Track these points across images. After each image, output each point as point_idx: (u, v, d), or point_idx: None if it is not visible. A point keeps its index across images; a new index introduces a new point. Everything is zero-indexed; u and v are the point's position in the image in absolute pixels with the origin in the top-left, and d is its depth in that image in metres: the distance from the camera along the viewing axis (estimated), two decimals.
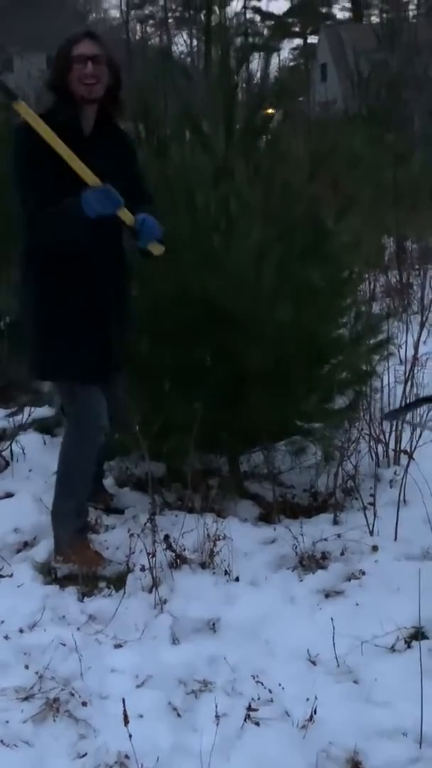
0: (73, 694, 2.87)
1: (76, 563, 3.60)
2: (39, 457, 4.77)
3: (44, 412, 5.33)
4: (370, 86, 13.60)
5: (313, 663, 3.06)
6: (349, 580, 3.57)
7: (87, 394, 3.69)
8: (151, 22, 59.24)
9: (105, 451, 4.16)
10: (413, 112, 13.49)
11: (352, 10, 55.49)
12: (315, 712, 2.69)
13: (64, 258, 3.54)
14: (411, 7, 37.67)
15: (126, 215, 3.55)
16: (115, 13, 61.68)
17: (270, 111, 4.50)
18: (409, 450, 4.50)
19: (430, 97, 13.59)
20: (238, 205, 4.19)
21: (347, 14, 56.36)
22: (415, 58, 14.11)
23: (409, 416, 3.73)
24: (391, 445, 4.73)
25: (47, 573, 3.67)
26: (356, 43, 18.30)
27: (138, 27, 57.71)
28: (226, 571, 3.64)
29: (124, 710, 2.37)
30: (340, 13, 57.69)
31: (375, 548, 3.79)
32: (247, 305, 4.09)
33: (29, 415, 5.21)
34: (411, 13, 31.55)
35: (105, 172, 3.47)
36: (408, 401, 4.80)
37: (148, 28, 57.51)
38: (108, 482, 4.49)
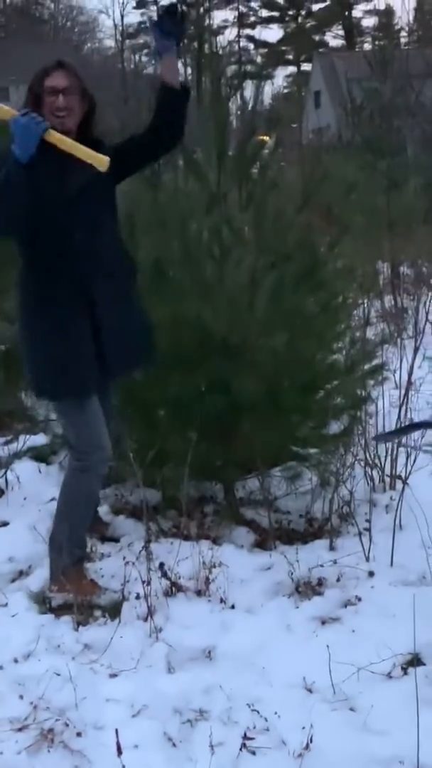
0: (67, 725, 2.85)
1: (70, 592, 3.58)
2: (34, 485, 4.75)
3: (39, 440, 5.32)
4: (363, 113, 13.70)
5: (310, 691, 3.04)
6: (345, 606, 3.56)
7: (89, 422, 3.64)
8: (145, 51, 59.69)
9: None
10: (406, 139, 13.58)
11: (345, 37, 56.05)
12: (311, 741, 2.68)
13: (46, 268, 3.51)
14: (403, 34, 38.09)
15: (54, 135, 3.39)
16: (110, 43, 62.11)
17: (263, 139, 4.54)
18: (404, 475, 4.50)
19: (422, 125, 13.71)
20: (230, 233, 4.21)
21: (340, 42, 56.89)
22: (407, 86, 14.23)
23: (402, 440, 3.73)
24: (387, 470, 4.73)
25: (42, 602, 3.65)
26: (349, 71, 18.44)
27: (133, 56, 58.15)
28: (221, 598, 3.63)
29: (117, 741, 2.35)
30: (333, 40, 58.23)
31: (371, 574, 3.78)
32: (242, 333, 4.11)
33: (24, 443, 5.20)
34: (403, 41, 31.88)
35: (85, 186, 3.49)
36: (402, 425, 4.80)
37: (142, 57, 57.94)
38: (103, 510, 4.48)
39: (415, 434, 4.21)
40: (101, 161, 3.41)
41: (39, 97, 3.51)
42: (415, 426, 3.28)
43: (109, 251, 3.63)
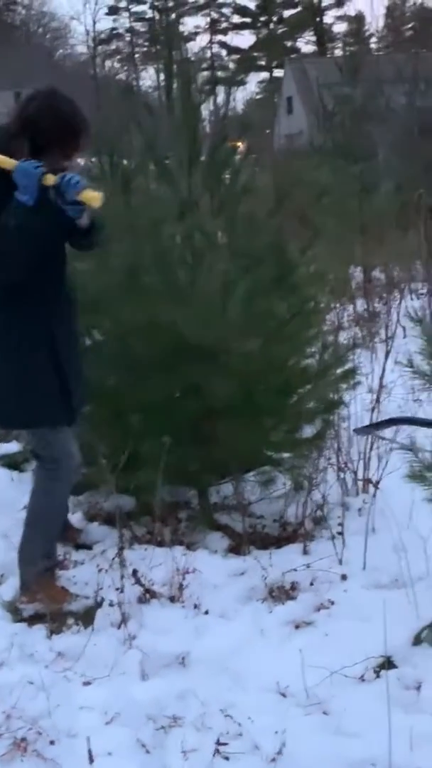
0: (41, 733, 2.83)
1: (41, 602, 3.56)
2: (6, 493, 4.73)
3: (12, 447, 5.30)
4: (334, 119, 13.78)
5: (283, 695, 3.05)
6: (319, 610, 3.57)
7: (62, 437, 3.67)
8: (117, 57, 59.74)
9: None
10: (377, 144, 13.66)
11: (317, 43, 56.32)
12: (284, 745, 2.68)
13: (20, 301, 3.52)
14: (373, 40, 38.32)
15: (49, 178, 3.40)
16: (82, 49, 62.02)
17: (235, 144, 4.55)
18: (376, 479, 4.53)
19: (393, 129, 13.79)
20: (203, 239, 4.22)
21: (312, 48, 57.15)
22: (378, 91, 14.33)
23: (381, 433, 3.76)
24: (359, 474, 4.76)
25: (15, 611, 3.63)
26: (321, 76, 18.53)
27: (105, 62, 58.17)
28: (195, 604, 3.63)
29: (89, 749, 2.35)
30: (305, 46, 58.49)
31: (344, 577, 3.80)
32: (215, 337, 4.11)
33: None
34: (373, 47, 32.07)
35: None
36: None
37: (115, 64, 57.96)
38: (76, 517, 4.46)
39: (391, 430, 4.22)
40: (95, 198, 3.42)
41: (67, 145, 3.50)
42: (393, 421, 3.30)
43: (69, 293, 3.75)
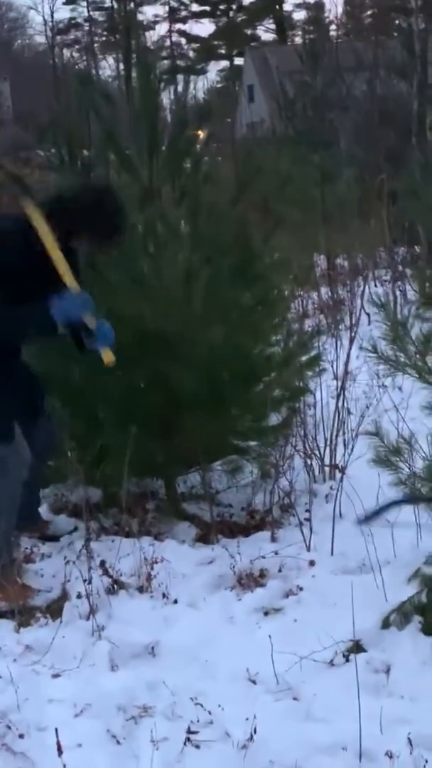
0: (9, 727, 2.82)
1: (4, 600, 3.54)
2: None
3: None
4: (295, 107, 13.78)
5: (253, 682, 3.05)
6: (287, 596, 3.58)
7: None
8: (76, 47, 59.27)
9: (40, 480, 4.13)
10: (338, 132, 13.69)
11: (277, 31, 56.23)
12: (255, 732, 2.68)
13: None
14: (333, 28, 38.37)
15: (91, 319, 3.62)
16: (40, 39, 61.44)
17: (195, 133, 4.53)
18: (342, 465, 4.55)
19: (354, 117, 13.83)
20: (165, 228, 4.20)
21: (272, 36, 57.06)
22: (338, 79, 14.35)
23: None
24: (326, 460, 4.77)
25: None
26: (281, 64, 18.52)
27: (64, 52, 57.68)
28: (164, 594, 3.62)
29: (58, 741, 2.34)
30: (265, 34, 58.34)
31: (312, 563, 3.82)
32: (179, 328, 4.10)
33: None
34: (333, 34, 32.11)
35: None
36: (340, 416, 4.86)
37: (74, 53, 57.48)
38: (42, 509, 4.44)
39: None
40: (110, 360, 3.63)
41: (95, 236, 3.61)
42: (395, 503, 3.35)
43: None
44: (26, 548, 4.02)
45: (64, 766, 2.38)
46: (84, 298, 3.57)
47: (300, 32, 51.58)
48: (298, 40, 45.79)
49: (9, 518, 3.73)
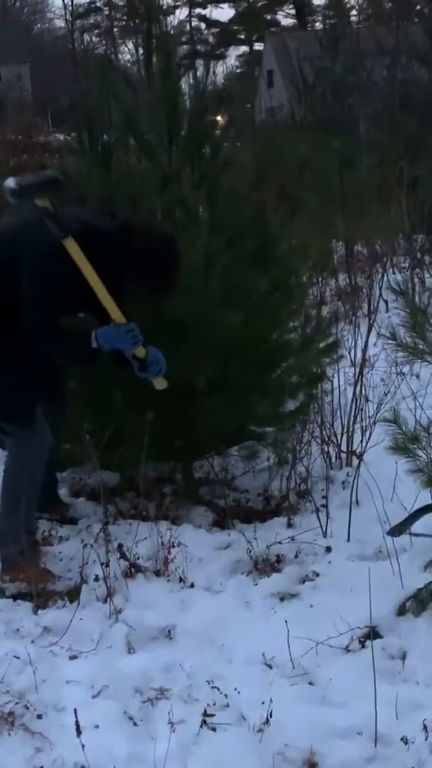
0: (28, 708, 2.85)
1: (24, 581, 3.56)
2: None
3: None
4: (315, 92, 13.72)
5: (269, 666, 3.07)
6: (303, 582, 3.59)
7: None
8: (96, 31, 59.12)
9: (56, 463, 4.15)
10: (358, 117, 13.62)
11: (296, 16, 55.87)
12: (271, 715, 2.70)
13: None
14: (353, 13, 38.09)
15: (140, 350, 3.65)
16: (60, 23, 61.32)
17: (215, 118, 4.52)
18: (359, 451, 4.55)
19: (374, 102, 13.74)
20: (183, 213, 4.20)
21: (292, 21, 56.73)
22: (359, 64, 14.26)
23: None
24: (343, 446, 4.77)
25: None
26: (301, 50, 18.41)
27: (83, 36, 57.55)
28: (180, 578, 3.64)
29: (77, 721, 2.36)
30: (285, 19, 58.01)
31: (328, 549, 3.82)
32: (196, 312, 4.10)
33: None
34: (353, 19, 31.89)
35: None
36: (358, 403, 4.85)
37: (93, 38, 57.36)
38: (61, 493, 4.46)
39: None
40: (163, 385, 3.77)
41: (146, 286, 3.59)
42: (425, 509, 3.34)
43: None
44: (44, 531, 4.05)
45: (83, 746, 2.40)
46: (129, 329, 3.58)
47: (320, 17, 51.21)
48: (318, 25, 45.51)
49: (31, 499, 3.75)
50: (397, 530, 3.27)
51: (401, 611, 3.26)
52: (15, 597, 3.56)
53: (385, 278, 7.91)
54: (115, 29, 55.97)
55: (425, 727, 2.63)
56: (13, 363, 3.63)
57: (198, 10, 58.86)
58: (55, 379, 3.87)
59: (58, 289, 3.51)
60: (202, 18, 58.93)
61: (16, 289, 3.51)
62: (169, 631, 3.31)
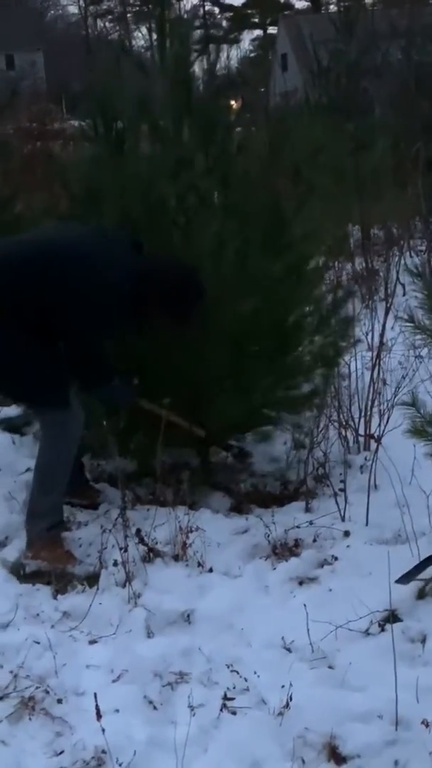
0: (48, 692, 2.86)
1: (45, 560, 3.58)
2: (8, 456, 4.73)
3: (12, 411, 5.29)
4: (329, 75, 13.61)
5: (288, 650, 3.07)
6: (322, 566, 3.59)
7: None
8: (109, 17, 58.96)
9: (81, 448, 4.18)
10: (373, 100, 13.52)
11: None
12: (291, 699, 2.70)
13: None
14: None
15: (144, 403, 3.95)
16: (73, 9, 61.22)
17: (229, 102, 4.50)
18: (377, 435, 4.53)
19: (389, 85, 13.63)
20: (197, 198, 4.18)
21: (306, 4, 56.38)
22: (373, 47, 14.13)
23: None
24: (361, 430, 4.76)
25: (19, 572, 3.65)
26: (315, 33, 18.29)
27: (97, 23, 57.42)
28: (199, 562, 3.65)
29: (97, 705, 2.37)
30: (299, 2, 57.83)
31: (347, 534, 3.82)
32: (210, 298, 4.08)
33: None
34: (368, 2, 31.62)
35: None
36: (375, 387, 4.83)
37: (106, 24, 57.21)
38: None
39: None
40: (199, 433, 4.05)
41: (166, 319, 3.74)
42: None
43: None
44: (64, 516, 4.05)
45: (103, 730, 2.41)
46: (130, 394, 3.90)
47: (334, 0, 50.87)
48: (332, 7, 45.20)
49: (64, 478, 3.80)
50: (405, 578, 3.26)
51: (421, 595, 3.26)
52: (34, 575, 3.59)
53: (402, 261, 7.84)
54: (128, 15, 55.78)
55: None
56: (40, 353, 3.71)
57: None
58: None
59: (114, 323, 3.68)
60: (215, 2, 58.70)
61: (53, 294, 3.61)
62: (188, 616, 3.32)
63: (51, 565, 3.56)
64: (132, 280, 3.64)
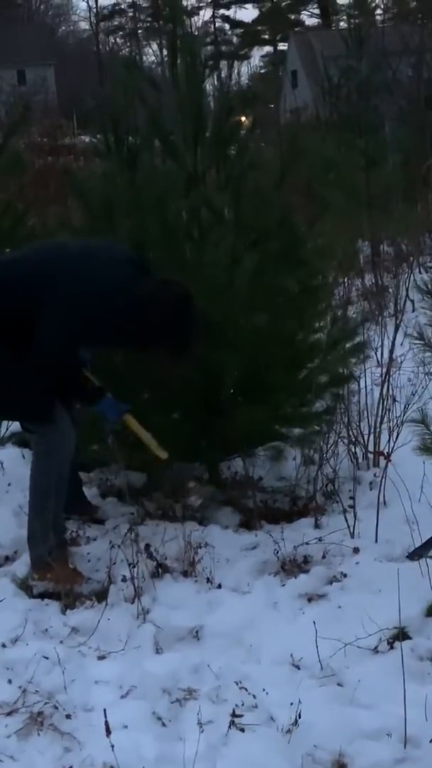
0: (57, 708, 2.86)
1: (52, 581, 3.57)
2: (18, 471, 4.73)
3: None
4: (340, 91, 13.66)
5: (297, 667, 3.06)
6: (331, 583, 3.58)
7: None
8: (120, 33, 59.32)
9: (77, 463, 4.16)
10: (384, 117, 13.56)
11: (321, 16, 55.75)
12: (299, 716, 2.69)
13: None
14: (378, 12, 37.91)
15: (131, 423, 3.80)
16: (84, 25, 61.60)
17: (240, 119, 4.52)
18: (387, 452, 4.53)
19: (399, 101, 13.69)
20: (209, 213, 4.20)
21: (316, 20, 56.63)
22: (384, 63, 14.20)
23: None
24: (370, 447, 4.76)
25: (28, 588, 3.64)
26: (325, 49, 18.40)
27: (108, 38, 57.77)
28: (208, 578, 3.64)
29: (106, 721, 2.36)
30: (309, 19, 57.94)
31: (356, 550, 3.80)
32: (223, 313, 4.10)
33: (7, 430, 5.19)
34: (378, 18, 31.76)
35: None
36: (385, 404, 4.83)
37: (117, 40, 57.54)
38: (92, 493, 4.48)
39: None
40: (161, 454, 3.79)
41: (166, 349, 3.65)
42: None
43: None
44: (72, 531, 4.05)
45: (112, 746, 2.40)
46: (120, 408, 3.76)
47: (344, 16, 51.03)
48: (342, 24, 45.34)
49: (59, 496, 3.76)
50: (416, 554, 3.25)
51: (430, 612, 3.25)
52: (42, 596, 3.58)
53: (412, 278, 7.86)
54: (140, 31, 56.11)
55: None
56: (21, 368, 3.64)
57: (222, 11, 58.93)
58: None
59: (84, 330, 3.59)
60: (226, 18, 59.07)
61: (34, 310, 3.55)
62: (196, 632, 3.31)
63: (58, 586, 3.54)
64: (125, 298, 3.56)
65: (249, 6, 59.10)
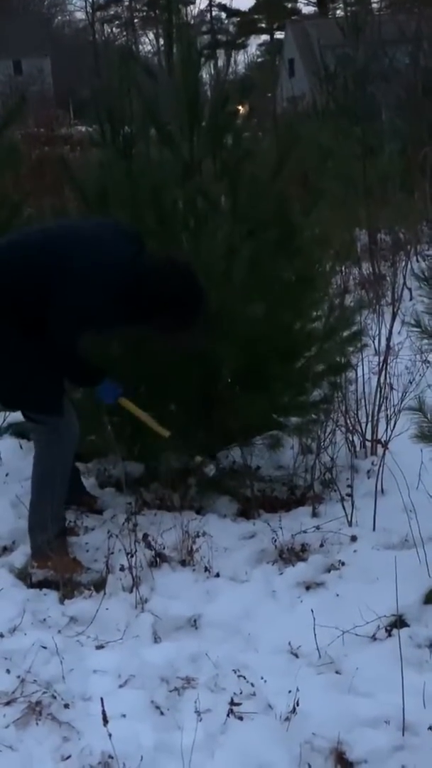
0: (55, 697, 2.86)
1: (52, 569, 3.58)
2: (15, 462, 4.74)
3: (20, 416, 5.29)
4: (336, 80, 13.61)
5: (295, 655, 3.07)
6: (329, 571, 3.59)
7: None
8: (116, 23, 59.13)
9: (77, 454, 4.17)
10: (380, 105, 13.52)
11: (318, 4, 55.55)
12: (297, 704, 2.70)
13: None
14: (375, 0, 37.78)
15: (126, 403, 3.82)
16: (80, 15, 61.40)
17: (236, 107, 4.51)
18: (384, 440, 4.53)
19: (396, 90, 13.63)
20: (205, 203, 4.19)
21: (313, 9, 56.43)
22: (381, 52, 14.14)
23: None
24: (368, 435, 4.75)
25: (26, 578, 3.65)
26: (322, 38, 18.31)
27: (104, 28, 57.58)
28: (206, 567, 3.65)
29: (103, 710, 2.37)
30: (306, 7, 57.76)
31: (354, 538, 3.81)
32: (219, 302, 4.09)
33: (4, 420, 5.18)
34: (375, 7, 31.63)
35: None
36: (382, 392, 4.83)
37: (114, 29, 57.35)
38: (90, 483, 4.48)
39: None
40: (163, 432, 3.82)
41: (168, 327, 3.65)
42: None
43: None
44: (70, 521, 4.06)
45: (110, 735, 2.41)
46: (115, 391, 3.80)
47: (341, 4, 50.86)
48: (339, 12, 45.19)
49: (62, 486, 3.78)
50: None
51: (428, 600, 3.25)
52: (40, 584, 3.59)
53: (409, 266, 7.84)
54: (136, 20, 55.92)
55: None
56: (33, 356, 3.64)
57: (218, 0, 58.72)
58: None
59: (100, 305, 3.56)
60: (223, 7, 58.89)
61: (48, 288, 3.54)
62: (194, 621, 3.32)
63: (58, 574, 3.55)
64: (130, 272, 3.57)
65: None
